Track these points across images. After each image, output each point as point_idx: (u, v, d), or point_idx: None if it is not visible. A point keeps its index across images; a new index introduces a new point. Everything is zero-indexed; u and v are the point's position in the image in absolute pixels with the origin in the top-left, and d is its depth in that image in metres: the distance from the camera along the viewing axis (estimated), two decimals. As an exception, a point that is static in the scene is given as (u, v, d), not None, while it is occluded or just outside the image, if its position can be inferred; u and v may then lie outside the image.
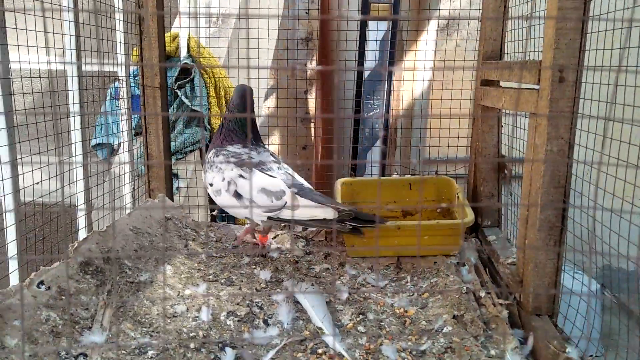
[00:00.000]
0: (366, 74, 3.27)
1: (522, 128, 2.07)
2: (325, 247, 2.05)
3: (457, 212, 2.10)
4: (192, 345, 1.28)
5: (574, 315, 1.66)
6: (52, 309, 1.21)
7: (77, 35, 1.98)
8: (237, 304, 1.52)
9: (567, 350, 1.30)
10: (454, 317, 1.53)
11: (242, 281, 1.72)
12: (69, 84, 2.07)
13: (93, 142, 2.87)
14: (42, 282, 1.27)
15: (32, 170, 1.72)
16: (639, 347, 1.38)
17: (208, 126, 2.90)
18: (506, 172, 2.04)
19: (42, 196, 1.89)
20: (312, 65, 3.42)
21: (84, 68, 2.27)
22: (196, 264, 1.79)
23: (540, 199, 1.45)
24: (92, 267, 1.42)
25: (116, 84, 2.57)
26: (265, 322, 1.47)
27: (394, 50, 3.25)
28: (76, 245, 1.44)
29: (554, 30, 1.37)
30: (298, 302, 1.59)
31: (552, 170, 1.43)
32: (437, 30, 3.33)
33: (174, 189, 2.49)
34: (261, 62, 2.97)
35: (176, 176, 2.72)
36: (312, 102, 3.46)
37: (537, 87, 1.50)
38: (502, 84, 2.01)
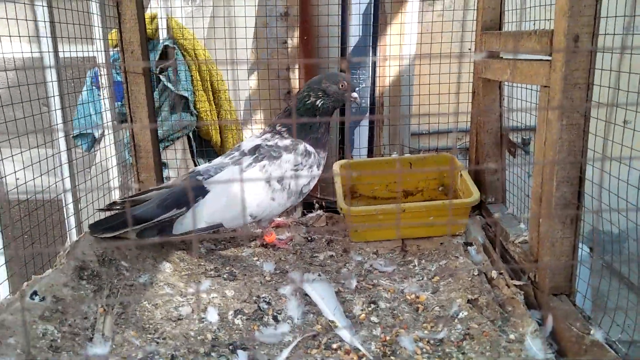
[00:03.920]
0: (350, 47, 3.15)
1: (525, 100, 2.01)
2: (328, 234, 1.98)
3: (460, 190, 2.04)
4: (201, 350, 1.20)
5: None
6: (48, 322, 1.12)
7: (52, 22, 1.84)
8: (244, 301, 1.44)
9: (591, 332, 1.26)
10: (468, 301, 1.48)
11: (245, 275, 1.65)
12: (47, 74, 1.93)
13: (75, 132, 2.73)
14: (35, 293, 1.17)
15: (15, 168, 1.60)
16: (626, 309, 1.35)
17: (194, 111, 2.78)
18: (511, 147, 1.98)
19: (27, 194, 1.77)
20: (294, 39, 3.27)
21: (61, 55, 2.13)
22: (196, 259, 1.71)
23: (556, 175, 1.39)
24: (88, 271, 1.33)
25: (95, 70, 2.43)
26: (275, 319, 1.40)
27: (377, 24, 3.13)
28: (68, 249, 1.34)
29: (569, -4, 1.29)
30: (307, 295, 1.52)
31: (569, 145, 1.37)
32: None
33: (164, 178, 2.38)
34: (242, 40, 2.83)
35: (165, 165, 2.61)
36: (295, 79, 3.33)
37: (547, 58, 1.43)
38: (502, 55, 1.93)
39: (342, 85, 1.81)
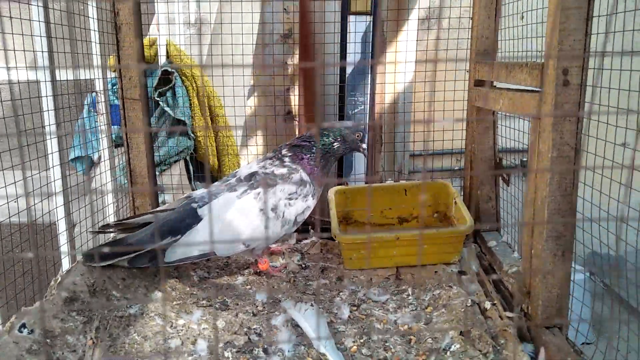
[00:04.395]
0: (349, 69, 3.19)
1: (518, 130, 2.03)
2: (322, 261, 1.97)
3: (455, 217, 2.04)
4: (189, 384, 1.19)
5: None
6: (36, 355, 1.12)
7: (51, 51, 1.86)
8: (235, 333, 1.43)
9: (583, 367, 1.25)
10: (461, 333, 1.47)
11: (237, 304, 1.64)
12: (44, 103, 1.95)
13: (71, 155, 2.74)
14: (24, 325, 1.17)
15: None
16: (627, 336, 1.34)
17: (192, 135, 2.80)
18: (505, 175, 1.98)
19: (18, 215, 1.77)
20: (293, 62, 3.31)
21: (58, 77, 2.15)
22: (188, 288, 1.70)
23: (547, 207, 1.40)
24: (78, 302, 1.33)
25: (93, 96, 2.45)
26: (265, 351, 1.39)
27: (374, 45, 3.17)
28: (59, 279, 1.34)
29: (557, 30, 1.30)
30: (298, 325, 1.51)
31: (559, 178, 1.38)
32: (421, 21, 3.27)
33: (160, 203, 2.39)
34: (240, 63, 2.86)
35: (161, 189, 2.61)
36: (294, 100, 3.36)
37: (538, 89, 1.44)
38: (495, 84, 1.95)
39: (358, 136, 1.93)
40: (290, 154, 1.87)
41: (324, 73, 2.99)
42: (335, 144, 1.90)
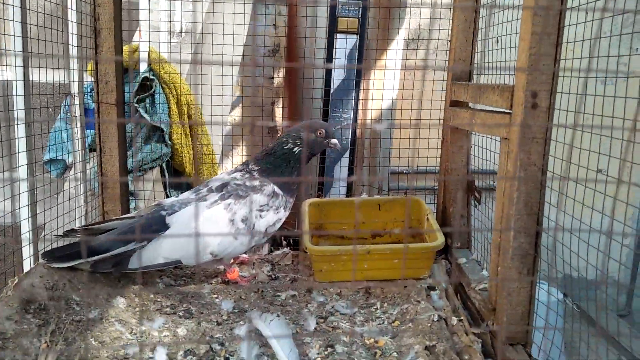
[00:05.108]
0: (334, 84, 3.23)
1: (491, 150, 2.06)
2: (292, 273, 1.96)
3: (427, 234, 2.05)
4: (145, 392, 1.16)
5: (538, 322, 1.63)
6: (-16, 357, 1.08)
7: (24, 51, 1.84)
8: (197, 341, 1.41)
9: (543, 386, 1.25)
10: (426, 347, 1.47)
11: (202, 312, 1.61)
12: (13, 102, 1.92)
13: (46, 158, 2.70)
14: (-26, 326, 1.13)
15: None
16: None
17: (169, 142, 2.78)
18: (476, 194, 2.01)
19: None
20: (279, 76, 3.34)
21: (32, 78, 2.12)
22: (152, 295, 1.67)
23: (513, 226, 1.41)
24: (35, 304, 1.29)
25: (68, 99, 2.42)
26: (227, 361, 1.37)
27: (361, 63, 3.22)
28: (17, 280, 1.31)
29: (527, 54, 1.34)
30: (262, 335, 1.49)
31: (525, 197, 1.40)
32: (406, 40, 3.32)
33: (131, 209, 2.35)
34: (227, 76, 2.87)
35: (133, 195, 2.58)
36: (279, 113, 3.38)
37: (509, 111, 1.47)
38: (472, 105, 1.99)
39: (319, 133, 1.85)
40: (257, 168, 1.86)
41: (310, 77, 3.01)
42: (295, 149, 1.83)
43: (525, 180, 1.39)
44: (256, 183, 1.80)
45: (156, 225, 1.65)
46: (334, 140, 1.87)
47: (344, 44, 3.22)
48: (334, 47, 3.17)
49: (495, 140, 2.00)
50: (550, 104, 1.36)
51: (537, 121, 1.37)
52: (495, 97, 1.55)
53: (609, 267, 1.33)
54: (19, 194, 1.97)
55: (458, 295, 1.80)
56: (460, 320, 1.60)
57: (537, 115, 1.37)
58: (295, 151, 1.84)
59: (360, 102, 3.27)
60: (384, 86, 3.09)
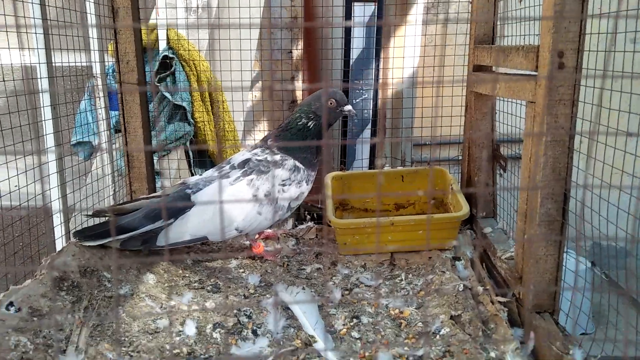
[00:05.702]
0: (354, 55, 3.17)
1: (517, 116, 2.00)
2: (317, 246, 1.97)
3: (451, 204, 2.03)
4: (175, 364, 1.20)
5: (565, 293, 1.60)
6: (22, 333, 1.13)
7: (46, 33, 1.86)
8: (224, 315, 1.44)
9: (570, 352, 1.23)
10: (452, 317, 1.47)
11: (229, 287, 1.65)
12: (39, 83, 1.96)
13: (73, 140, 2.76)
14: (11, 304, 1.18)
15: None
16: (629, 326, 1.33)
17: (192, 120, 2.79)
18: (501, 161, 1.96)
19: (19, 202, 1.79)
20: (298, 48, 3.30)
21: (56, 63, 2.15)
22: (181, 270, 1.71)
23: (541, 192, 1.38)
24: (68, 282, 1.34)
25: (92, 81, 2.45)
26: (254, 333, 1.39)
27: (380, 35, 3.15)
28: (50, 259, 1.35)
29: (553, 12, 1.28)
30: (289, 308, 1.51)
31: (553, 161, 1.36)
32: (426, 6, 3.23)
33: (157, 188, 2.39)
34: (245, 51, 2.85)
35: (158, 174, 2.62)
36: (298, 87, 3.36)
37: (534, 73, 1.42)
38: (495, 69, 1.92)
39: (330, 103, 1.82)
40: (276, 144, 1.85)
41: (330, 64, 2.97)
42: (309, 123, 1.81)
43: (552, 144, 1.35)
44: (277, 158, 1.80)
45: (182, 203, 1.67)
46: (347, 107, 1.84)
47: (362, 11, 3.16)
48: (352, 15, 3.12)
49: (521, 104, 1.94)
50: (577, 63, 1.30)
51: (564, 82, 1.31)
52: (519, 58, 1.50)
53: (639, 232, 1.29)
54: (49, 175, 2.02)
55: (483, 264, 1.78)
56: (486, 289, 1.58)
57: (565, 76, 1.31)
58: (310, 126, 1.82)
59: (381, 71, 3.21)
60: (404, 54, 3.01)
